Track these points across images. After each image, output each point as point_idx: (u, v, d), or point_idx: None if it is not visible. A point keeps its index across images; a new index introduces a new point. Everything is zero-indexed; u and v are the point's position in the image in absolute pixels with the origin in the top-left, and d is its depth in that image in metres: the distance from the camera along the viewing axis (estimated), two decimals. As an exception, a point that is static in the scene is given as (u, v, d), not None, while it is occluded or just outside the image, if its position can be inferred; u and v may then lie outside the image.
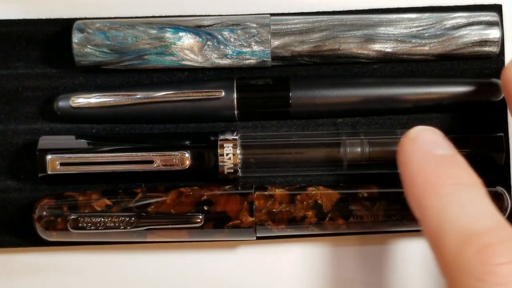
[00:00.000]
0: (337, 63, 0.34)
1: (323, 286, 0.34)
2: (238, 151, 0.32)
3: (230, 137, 0.32)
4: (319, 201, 0.31)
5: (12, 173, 0.34)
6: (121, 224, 0.31)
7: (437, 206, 0.25)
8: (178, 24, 0.33)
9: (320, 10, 0.34)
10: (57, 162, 0.32)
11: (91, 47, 0.33)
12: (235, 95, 0.33)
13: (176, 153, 0.32)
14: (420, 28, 0.33)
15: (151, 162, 0.32)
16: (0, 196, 0.34)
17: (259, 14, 0.33)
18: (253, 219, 0.31)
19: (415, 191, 0.26)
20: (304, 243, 0.34)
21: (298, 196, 0.32)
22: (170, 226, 0.31)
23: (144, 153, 0.32)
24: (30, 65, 0.34)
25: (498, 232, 0.24)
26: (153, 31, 0.33)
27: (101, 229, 0.31)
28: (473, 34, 0.33)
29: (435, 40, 0.33)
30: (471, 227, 0.24)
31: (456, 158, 0.27)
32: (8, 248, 0.34)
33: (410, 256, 0.34)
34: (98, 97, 0.33)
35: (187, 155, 0.32)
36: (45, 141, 0.32)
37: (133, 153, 0.32)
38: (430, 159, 0.26)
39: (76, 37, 0.32)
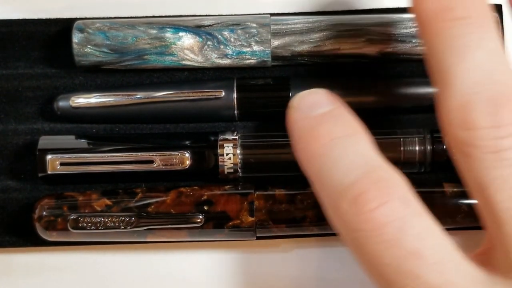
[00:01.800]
0: (337, 63, 0.34)
1: (323, 286, 0.34)
2: (238, 151, 0.32)
3: (230, 137, 0.32)
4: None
5: (12, 173, 0.34)
6: (121, 224, 0.31)
7: (315, 168, 0.25)
8: (178, 24, 0.33)
9: (320, 10, 0.34)
10: (57, 162, 0.32)
11: (91, 47, 0.33)
12: (235, 95, 0.33)
13: (176, 153, 0.32)
14: (420, 28, 0.33)
15: (151, 162, 0.32)
16: (0, 196, 0.34)
17: (259, 14, 0.33)
18: (253, 219, 0.31)
19: (299, 157, 0.26)
20: (304, 243, 0.34)
21: (298, 196, 0.32)
22: (170, 226, 0.31)
23: (144, 153, 0.32)
24: (30, 65, 0.34)
25: (368, 178, 0.23)
26: (153, 31, 0.33)
27: (101, 229, 0.31)
28: (473, 34, 0.33)
29: (435, 40, 0.33)
30: (344, 180, 0.24)
31: (334, 112, 0.26)
32: (8, 248, 0.34)
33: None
34: (98, 97, 0.33)
35: (187, 155, 0.32)
36: (45, 141, 0.32)
37: (133, 153, 0.32)
38: (308, 122, 0.26)
39: (76, 37, 0.32)
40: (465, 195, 0.31)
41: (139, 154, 0.32)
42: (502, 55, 0.24)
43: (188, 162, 0.32)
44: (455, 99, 0.23)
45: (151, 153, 0.32)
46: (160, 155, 0.32)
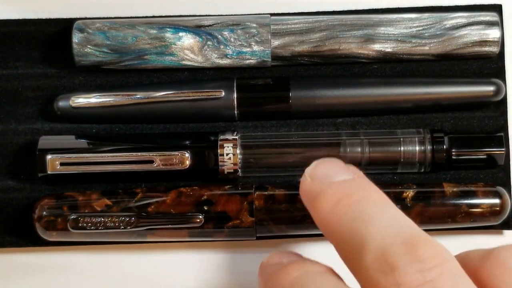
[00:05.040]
0: (337, 63, 0.34)
1: (323, 286, 0.34)
2: (238, 151, 0.32)
3: (230, 137, 0.32)
4: (319, 201, 0.31)
5: (12, 173, 0.34)
6: (121, 224, 0.31)
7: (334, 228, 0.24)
8: (178, 24, 0.33)
9: (320, 10, 0.34)
10: (57, 162, 0.32)
11: (91, 47, 0.33)
12: (235, 95, 0.33)
13: (176, 153, 0.32)
14: (420, 28, 0.33)
15: (151, 162, 0.32)
16: (0, 196, 0.34)
17: (259, 14, 0.33)
18: (253, 219, 0.31)
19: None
20: (304, 243, 0.34)
21: (298, 196, 0.31)
22: (170, 226, 0.31)
23: (144, 153, 0.32)
24: (30, 65, 0.34)
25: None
26: (153, 31, 0.33)
27: (101, 229, 0.31)
28: (473, 34, 0.33)
29: (435, 40, 0.33)
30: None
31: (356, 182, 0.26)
32: (8, 248, 0.34)
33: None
34: (98, 97, 0.33)
35: (187, 155, 0.32)
36: (45, 141, 0.32)
37: (133, 153, 0.32)
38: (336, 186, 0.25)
39: (76, 37, 0.32)
40: (465, 195, 0.31)
41: (139, 154, 0.32)
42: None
43: (188, 162, 0.32)
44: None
45: (151, 153, 0.32)
46: (160, 155, 0.32)
